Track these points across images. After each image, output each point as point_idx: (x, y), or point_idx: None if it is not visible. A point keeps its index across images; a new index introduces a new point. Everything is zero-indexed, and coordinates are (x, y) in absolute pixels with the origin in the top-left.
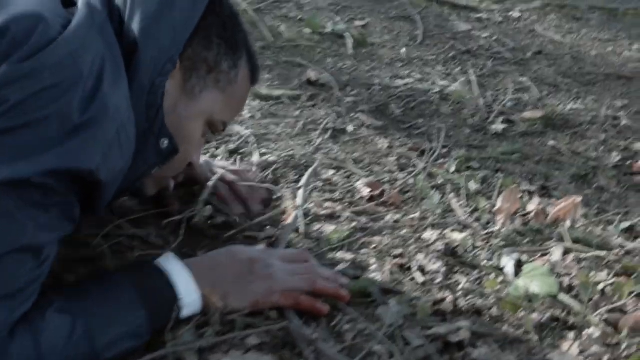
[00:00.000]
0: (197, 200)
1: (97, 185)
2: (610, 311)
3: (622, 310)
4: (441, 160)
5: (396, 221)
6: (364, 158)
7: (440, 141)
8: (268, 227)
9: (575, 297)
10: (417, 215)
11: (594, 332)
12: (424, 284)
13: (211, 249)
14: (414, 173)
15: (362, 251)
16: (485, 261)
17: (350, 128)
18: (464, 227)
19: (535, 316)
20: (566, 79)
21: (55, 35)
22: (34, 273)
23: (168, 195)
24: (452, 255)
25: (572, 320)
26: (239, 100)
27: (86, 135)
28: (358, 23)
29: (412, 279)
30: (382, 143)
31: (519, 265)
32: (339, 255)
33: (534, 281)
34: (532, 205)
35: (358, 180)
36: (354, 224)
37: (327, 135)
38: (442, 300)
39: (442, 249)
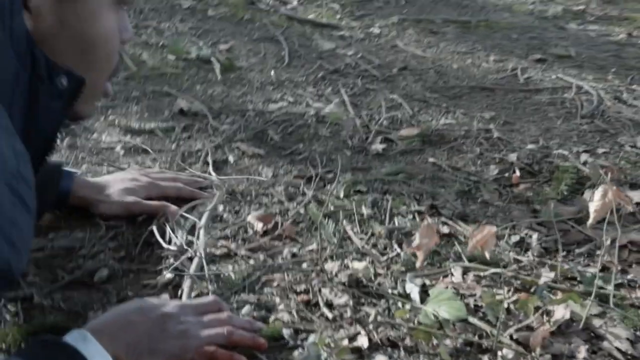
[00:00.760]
0: None
1: None
2: (518, 330)
3: (529, 328)
4: (329, 186)
5: (294, 255)
6: (250, 190)
7: (324, 166)
8: (165, 271)
9: (483, 318)
10: (314, 246)
11: (507, 353)
12: (334, 319)
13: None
14: (303, 202)
15: (265, 290)
16: (390, 289)
17: (231, 158)
18: (362, 254)
19: (448, 342)
20: (434, 93)
21: None
22: None
23: None
24: (356, 287)
25: (485, 343)
26: None
27: None
28: (222, 47)
29: (321, 314)
30: (266, 172)
31: (424, 290)
32: (242, 297)
33: (442, 306)
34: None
35: (248, 214)
36: (251, 261)
37: (208, 168)
38: (356, 335)
39: (345, 281)
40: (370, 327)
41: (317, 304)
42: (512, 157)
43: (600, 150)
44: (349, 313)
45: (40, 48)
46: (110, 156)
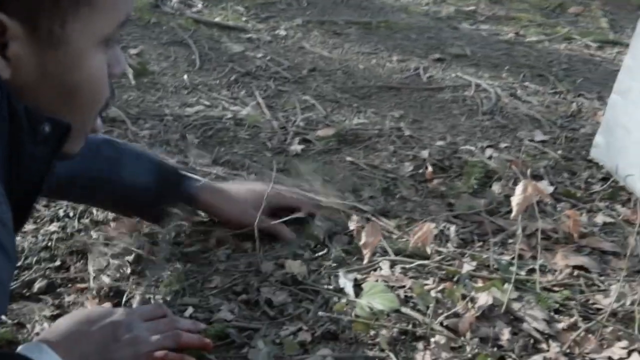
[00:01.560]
0: None
1: None
2: (447, 317)
3: (457, 315)
4: None
5: (229, 257)
6: None
7: (246, 168)
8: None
9: (414, 307)
10: (249, 245)
11: (439, 339)
12: (275, 317)
13: None
14: None
15: (205, 292)
16: (326, 285)
17: None
18: (295, 254)
19: (385, 332)
20: (344, 94)
21: None
22: None
23: None
24: (293, 284)
25: (418, 331)
26: None
27: None
28: (132, 51)
29: (262, 312)
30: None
31: (357, 284)
32: (184, 300)
33: (376, 299)
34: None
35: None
36: (188, 265)
37: None
38: (298, 331)
39: (282, 279)
40: (311, 322)
41: (257, 303)
42: (424, 153)
43: (502, 145)
44: (289, 310)
45: (19, 97)
46: None
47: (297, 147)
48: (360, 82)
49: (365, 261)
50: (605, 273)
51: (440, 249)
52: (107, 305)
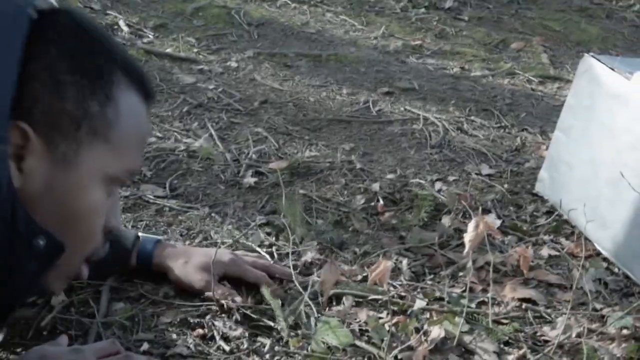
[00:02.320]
0: None
1: None
2: (402, 350)
3: (410, 348)
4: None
5: (184, 290)
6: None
7: (200, 201)
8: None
9: (369, 341)
10: None
11: None
12: (231, 352)
13: None
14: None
15: (160, 327)
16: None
17: None
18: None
19: None
20: (295, 126)
21: None
22: None
23: None
24: (248, 319)
25: None
26: (135, 137)
27: None
28: None
29: (218, 347)
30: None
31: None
32: (140, 335)
33: (329, 335)
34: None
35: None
36: (142, 300)
37: None
38: None
39: (237, 315)
40: (267, 356)
41: (212, 338)
42: (375, 186)
43: (450, 178)
44: (245, 344)
45: (23, 205)
46: None
47: (250, 180)
48: (311, 115)
49: (322, 300)
50: (552, 305)
51: (393, 282)
52: (62, 340)
